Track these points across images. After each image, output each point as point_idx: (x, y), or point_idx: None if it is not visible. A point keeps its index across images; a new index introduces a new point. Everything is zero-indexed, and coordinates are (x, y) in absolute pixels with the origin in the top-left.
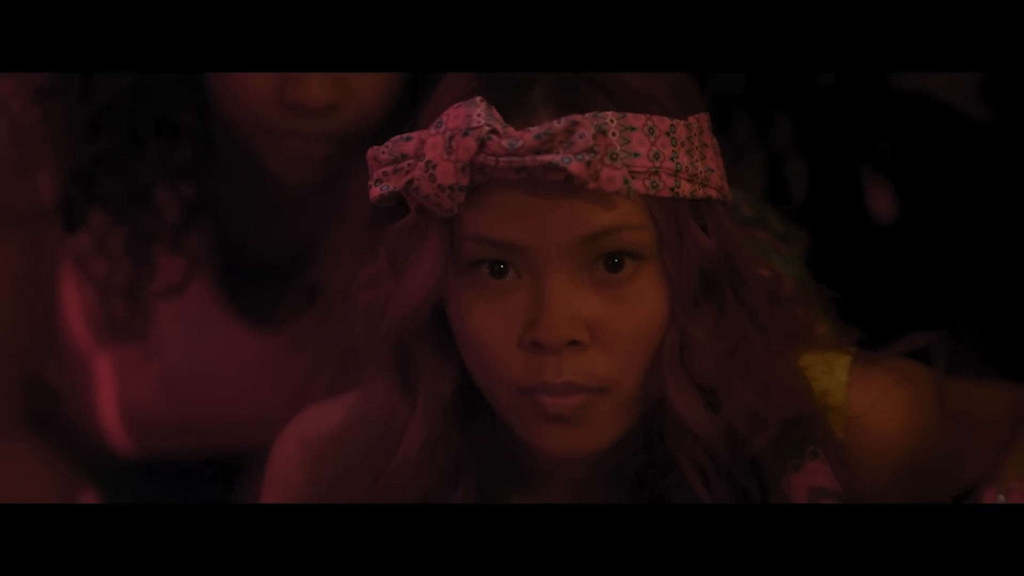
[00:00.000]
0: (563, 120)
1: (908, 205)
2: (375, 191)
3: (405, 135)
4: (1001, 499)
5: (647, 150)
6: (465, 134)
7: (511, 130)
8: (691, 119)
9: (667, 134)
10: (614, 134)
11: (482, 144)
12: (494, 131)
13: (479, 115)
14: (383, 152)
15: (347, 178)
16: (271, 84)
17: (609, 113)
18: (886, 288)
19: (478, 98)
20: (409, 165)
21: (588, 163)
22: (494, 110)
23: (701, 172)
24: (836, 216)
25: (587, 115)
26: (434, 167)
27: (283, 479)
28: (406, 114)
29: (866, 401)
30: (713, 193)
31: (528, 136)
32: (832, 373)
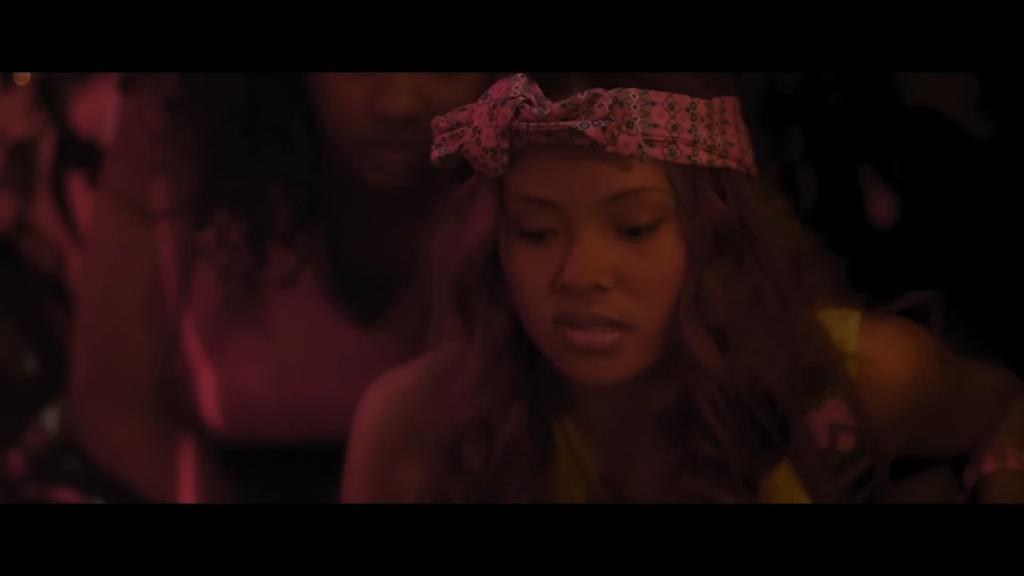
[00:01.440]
0: (586, 93)
1: (907, 210)
2: (435, 153)
3: (461, 106)
4: (1000, 465)
5: (666, 122)
6: (504, 103)
7: (547, 101)
8: (715, 100)
9: (687, 110)
10: (635, 107)
11: (517, 111)
12: (528, 101)
13: (517, 87)
14: (443, 121)
15: (436, 196)
16: (362, 97)
17: (632, 89)
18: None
19: (519, 74)
20: (462, 131)
21: (604, 128)
22: (535, 85)
23: (719, 145)
24: (843, 219)
25: (610, 90)
26: (479, 132)
27: (370, 423)
28: None
29: (876, 349)
30: (732, 164)
31: (555, 106)
32: (846, 324)
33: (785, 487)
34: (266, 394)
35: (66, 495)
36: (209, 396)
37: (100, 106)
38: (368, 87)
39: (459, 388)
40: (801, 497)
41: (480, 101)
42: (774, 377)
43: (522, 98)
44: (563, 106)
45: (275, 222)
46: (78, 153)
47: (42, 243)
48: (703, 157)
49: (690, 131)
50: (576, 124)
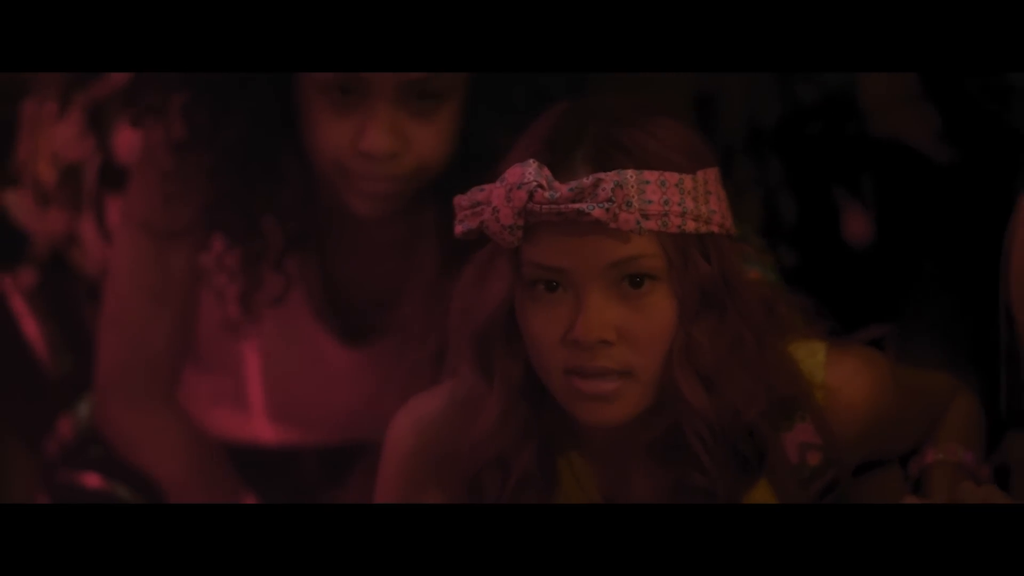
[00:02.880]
0: (591, 177)
1: (878, 229)
2: (459, 228)
3: (479, 187)
4: (940, 457)
5: (659, 198)
6: (519, 187)
7: (556, 184)
8: (699, 173)
9: (676, 185)
10: (632, 186)
11: (531, 195)
12: (540, 185)
13: (530, 173)
14: (464, 199)
15: (416, 227)
16: (347, 136)
17: (629, 171)
18: (853, 296)
19: (531, 160)
20: (481, 209)
21: (607, 209)
22: (544, 169)
23: (704, 213)
24: (817, 239)
25: (610, 173)
26: (498, 211)
27: (399, 449)
28: (456, 164)
29: (841, 379)
30: (715, 228)
31: (564, 189)
32: (814, 357)
33: (762, 499)
34: (269, 400)
35: (92, 479)
36: (254, 400)
37: (135, 137)
38: (352, 128)
39: (480, 429)
40: None
41: (497, 184)
42: (754, 412)
43: (535, 183)
44: (571, 190)
45: (268, 249)
46: (116, 177)
47: (88, 255)
48: (690, 225)
49: (679, 204)
50: (583, 206)
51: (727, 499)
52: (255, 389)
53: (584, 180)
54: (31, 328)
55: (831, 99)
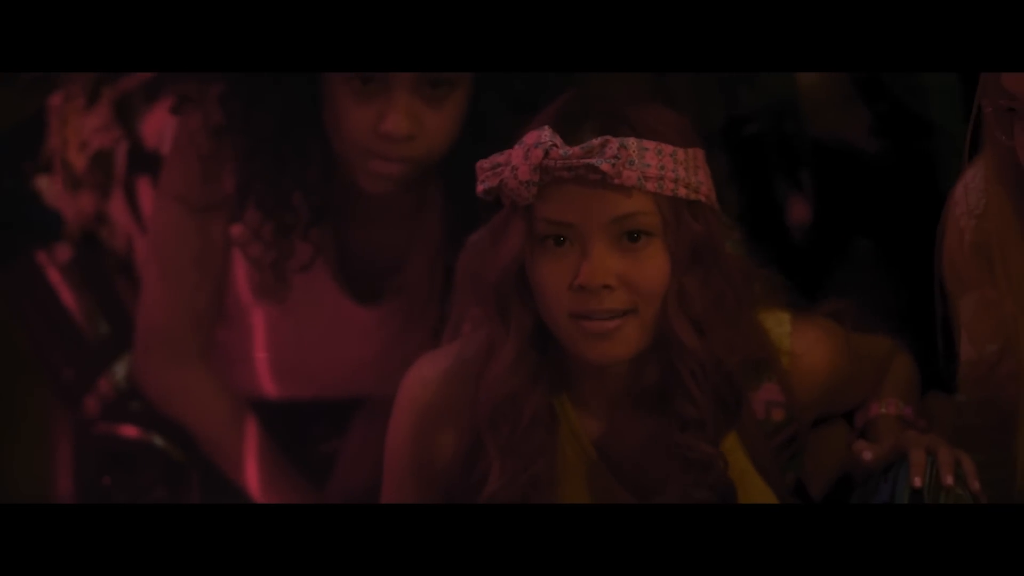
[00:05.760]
0: (599, 138)
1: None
2: (480, 187)
3: (500, 152)
4: (883, 411)
5: (656, 163)
6: (536, 147)
7: (566, 146)
8: (689, 150)
9: (670, 155)
10: (634, 150)
11: (546, 153)
12: (554, 144)
13: (545, 136)
14: (485, 163)
15: (423, 200)
16: (370, 119)
17: (631, 138)
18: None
19: (546, 126)
20: (501, 169)
21: (613, 164)
22: (556, 135)
23: (693, 183)
24: (760, 222)
25: (615, 138)
26: (516, 169)
27: (409, 401)
28: (464, 149)
29: (804, 346)
30: (702, 198)
31: (576, 148)
32: (780, 326)
33: (732, 449)
34: (295, 356)
35: (129, 430)
36: (259, 362)
37: (162, 124)
38: (373, 113)
39: (495, 370)
40: (743, 455)
41: (516, 147)
42: (734, 361)
43: (550, 143)
44: (581, 148)
45: (297, 221)
46: (145, 161)
47: (116, 232)
48: (682, 191)
49: (672, 171)
50: (593, 161)
51: (713, 434)
52: (277, 347)
53: (593, 140)
54: (68, 298)
55: (773, 101)
